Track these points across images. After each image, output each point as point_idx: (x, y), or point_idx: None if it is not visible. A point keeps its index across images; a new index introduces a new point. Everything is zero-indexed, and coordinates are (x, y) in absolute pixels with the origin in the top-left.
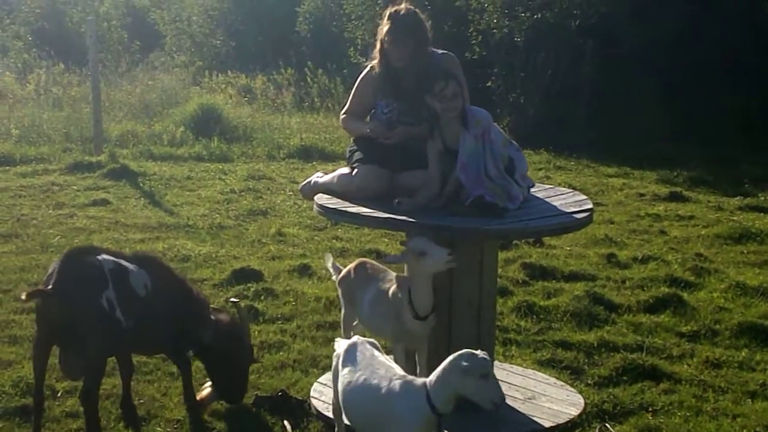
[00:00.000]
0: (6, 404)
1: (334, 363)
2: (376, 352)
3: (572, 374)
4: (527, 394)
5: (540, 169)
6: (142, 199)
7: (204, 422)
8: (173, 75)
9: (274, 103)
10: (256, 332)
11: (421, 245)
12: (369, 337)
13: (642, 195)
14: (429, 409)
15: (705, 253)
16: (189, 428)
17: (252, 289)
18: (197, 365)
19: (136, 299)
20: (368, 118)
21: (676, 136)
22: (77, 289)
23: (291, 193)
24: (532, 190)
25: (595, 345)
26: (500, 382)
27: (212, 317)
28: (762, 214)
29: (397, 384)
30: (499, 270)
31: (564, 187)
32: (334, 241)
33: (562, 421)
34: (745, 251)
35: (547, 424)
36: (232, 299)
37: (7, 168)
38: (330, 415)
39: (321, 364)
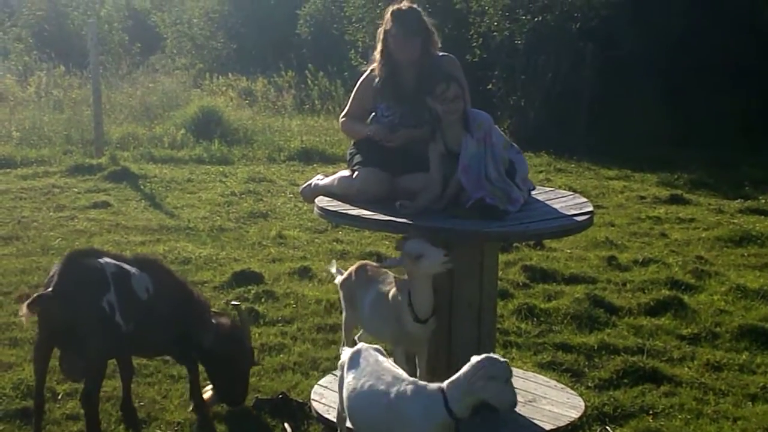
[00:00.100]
0: (6, 407)
1: (339, 374)
2: (381, 358)
3: (573, 377)
4: (528, 396)
5: (540, 172)
6: (143, 201)
7: (210, 423)
8: (174, 77)
9: (275, 105)
10: (257, 335)
11: (417, 247)
12: (373, 343)
13: (642, 198)
14: (446, 413)
15: (705, 256)
16: (190, 430)
17: (252, 292)
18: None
19: (137, 302)
20: (369, 121)
21: (676, 138)
22: (78, 291)
23: (291, 195)
24: (532, 192)
25: (596, 348)
26: None
27: (213, 321)
28: (762, 216)
29: (408, 389)
30: (500, 272)
31: (564, 189)
32: (334, 243)
33: (562, 424)
34: (745, 254)
35: (547, 426)
36: (234, 302)
37: (8, 170)
38: (330, 417)
39: (321, 367)
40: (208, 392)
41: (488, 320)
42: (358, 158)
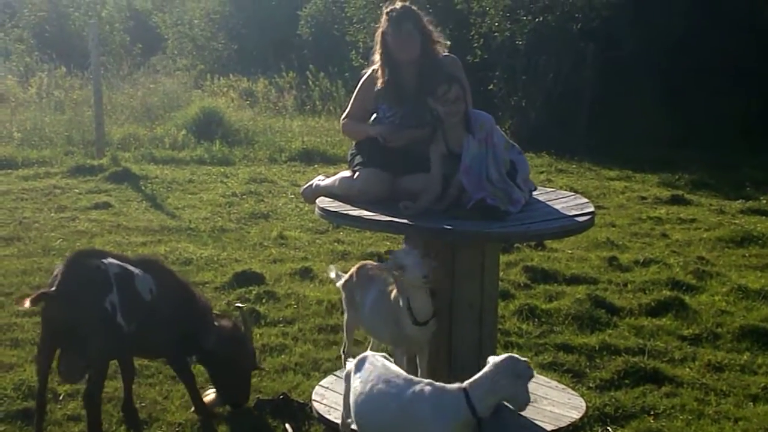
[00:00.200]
0: (8, 407)
1: (345, 385)
2: (389, 363)
3: (574, 377)
4: None
5: (541, 172)
6: (144, 202)
7: (213, 425)
8: (175, 78)
9: (276, 106)
10: (258, 335)
11: (401, 259)
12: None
13: (643, 198)
14: (469, 412)
15: (707, 257)
16: (192, 431)
17: (253, 292)
18: (198, 368)
19: (140, 303)
20: (370, 122)
21: (676, 139)
22: (80, 291)
23: (292, 196)
24: (533, 193)
25: (597, 348)
26: None
27: (215, 322)
28: (763, 217)
29: (426, 390)
30: (501, 273)
31: (565, 190)
32: (335, 244)
33: (563, 425)
34: (746, 254)
35: (549, 427)
36: (237, 304)
37: (9, 171)
38: (331, 418)
39: (323, 368)
40: (210, 395)
41: (489, 321)
42: (359, 159)
